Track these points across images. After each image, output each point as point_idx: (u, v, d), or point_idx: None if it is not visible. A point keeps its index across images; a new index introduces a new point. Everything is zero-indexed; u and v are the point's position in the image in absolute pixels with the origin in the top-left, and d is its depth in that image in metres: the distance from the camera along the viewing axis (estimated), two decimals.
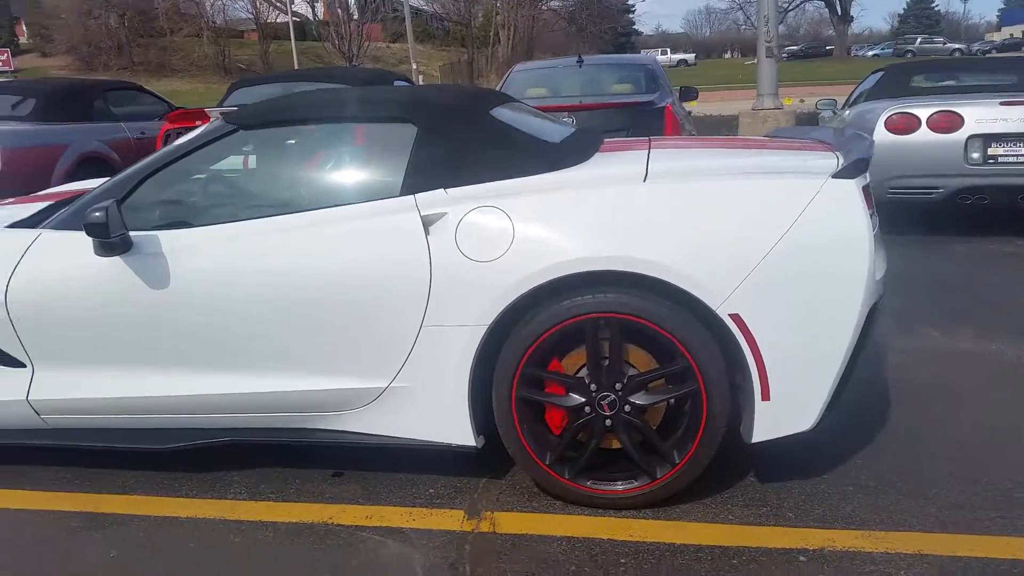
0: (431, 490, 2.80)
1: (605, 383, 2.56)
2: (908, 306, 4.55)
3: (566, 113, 5.81)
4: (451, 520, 2.62)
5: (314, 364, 2.69)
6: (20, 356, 2.87)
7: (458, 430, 2.65)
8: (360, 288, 2.60)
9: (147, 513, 2.75)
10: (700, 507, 2.60)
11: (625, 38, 61.94)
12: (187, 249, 2.72)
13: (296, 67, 37.83)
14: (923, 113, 5.77)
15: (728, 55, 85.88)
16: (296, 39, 44.39)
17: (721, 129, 11.46)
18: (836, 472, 2.77)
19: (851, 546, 2.36)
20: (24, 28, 42.58)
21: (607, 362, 2.55)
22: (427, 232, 2.57)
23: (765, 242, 2.42)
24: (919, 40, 46.06)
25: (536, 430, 2.65)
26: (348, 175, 2.93)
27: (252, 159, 3.24)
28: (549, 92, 6.68)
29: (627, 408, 2.56)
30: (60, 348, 2.83)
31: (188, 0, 43.22)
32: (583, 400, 2.58)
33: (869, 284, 2.43)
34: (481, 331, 2.54)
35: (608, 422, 2.57)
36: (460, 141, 2.74)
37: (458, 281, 2.54)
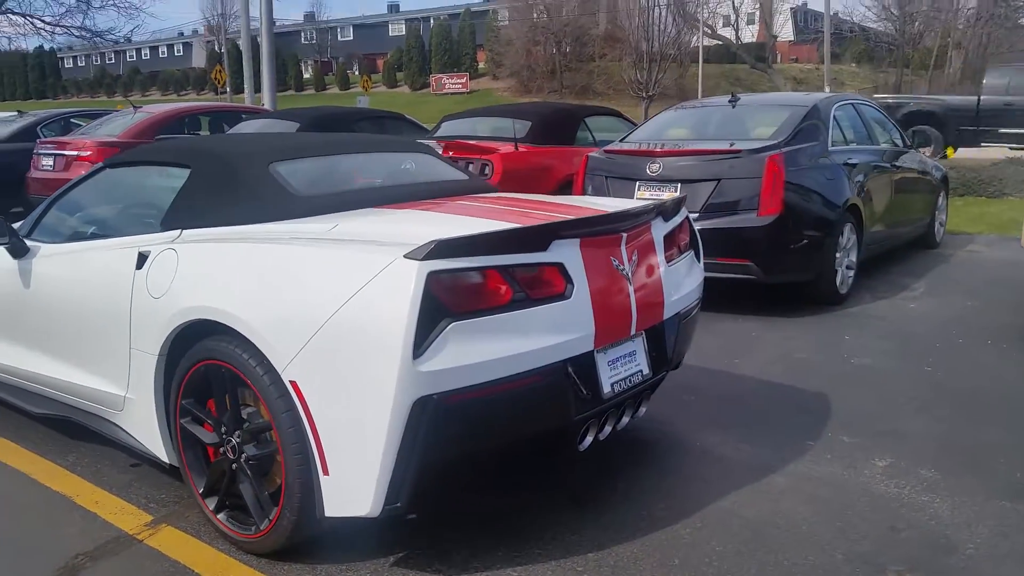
0: (163, 495, 3.14)
1: (229, 428, 2.68)
2: (913, 428, 3.54)
3: (652, 159, 5.48)
4: (132, 521, 2.93)
5: (87, 366, 3.21)
6: None
7: (158, 445, 2.97)
8: (100, 307, 3.06)
9: None
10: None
11: None
12: (36, 259, 3.44)
13: (700, 91, 38.30)
14: None
15: None
16: (724, 62, 45.22)
17: (978, 186, 9.20)
18: None
19: None
20: (484, 55, 49.61)
21: (229, 408, 2.67)
22: (139, 266, 2.94)
23: (324, 313, 2.36)
24: None
25: (200, 459, 2.86)
26: (145, 210, 3.39)
27: None
28: (689, 133, 6.27)
29: (243, 455, 2.64)
30: None
31: (619, 27, 46.24)
32: (217, 440, 2.73)
33: (407, 374, 2.23)
34: (154, 359, 2.84)
35: (234, 465, 2.69)
36: (214, 186, 3.04)
37: (143, 311, 2.87)
